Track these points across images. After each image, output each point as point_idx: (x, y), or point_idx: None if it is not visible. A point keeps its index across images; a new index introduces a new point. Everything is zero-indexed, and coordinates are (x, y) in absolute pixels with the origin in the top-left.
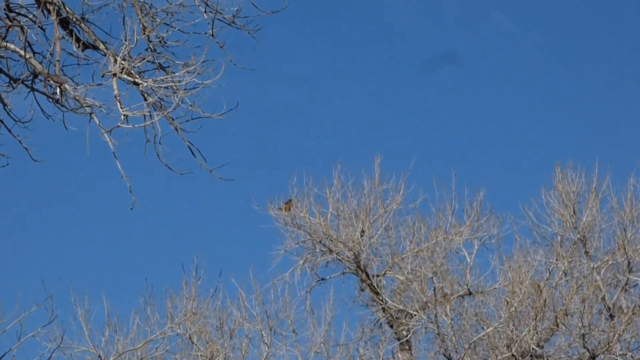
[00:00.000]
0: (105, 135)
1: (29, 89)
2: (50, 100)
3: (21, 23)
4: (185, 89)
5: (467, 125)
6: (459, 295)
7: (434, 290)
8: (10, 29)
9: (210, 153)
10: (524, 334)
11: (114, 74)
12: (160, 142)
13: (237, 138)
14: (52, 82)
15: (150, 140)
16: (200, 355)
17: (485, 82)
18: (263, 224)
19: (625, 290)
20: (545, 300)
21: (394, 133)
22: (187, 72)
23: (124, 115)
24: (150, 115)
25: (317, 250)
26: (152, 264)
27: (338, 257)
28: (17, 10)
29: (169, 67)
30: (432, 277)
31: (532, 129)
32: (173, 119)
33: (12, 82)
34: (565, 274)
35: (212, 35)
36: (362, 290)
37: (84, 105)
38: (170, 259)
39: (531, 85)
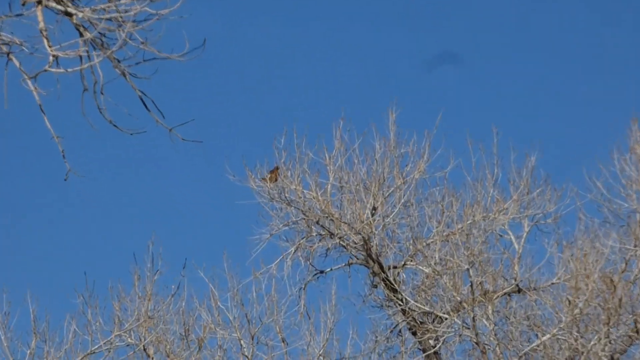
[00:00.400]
0: (29, 82)
1: None
2: None
3: None
4: (134, 21)
5: (510, 69)
6: (505, 293)
7: (471, 286)
8: None
9: (169, 106)
10: (592, 343)
11: (39, 1)
12: (102, 91)
13: (204, 86)
14: None
15: (89, 89)
16: None
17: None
18: (241, 199)
19: None
20: (620, 300)
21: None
22: None
23: (53, 56)
24: (89, 56)
25: (314, 234)
26: (93, 253)
27: (342, 242)
28: None
29: None
30: (467, 269)
31: (600, 75)
32: (119, 61)
33: None
34: None
35: None
36: (375, 286)
37: None
38: (117, 247)
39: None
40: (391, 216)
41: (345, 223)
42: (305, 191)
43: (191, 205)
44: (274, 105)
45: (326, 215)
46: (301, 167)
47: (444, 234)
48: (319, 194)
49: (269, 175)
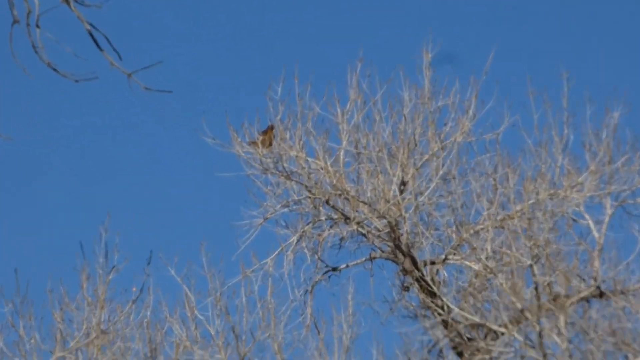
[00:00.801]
0: None
1: None
2: None
3: None
4: None
5: None
6: (582, 298)
7: (536, 288)
8: None
9: (128, 44)
10: None
11: None
12: (37, 24)
13: (176, 19)
14: None
15: (20, 21)
16: None
17: None
18: (223, 170)
19: None
20: None
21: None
22: None
23: None
24: None
25: (323, 218)
26: (25, 243)
27: (360, 229)
28: None
29: None
30: (531, 266)
31: None
32: None
33: None
34: None
35: None
36: (406, 288)
37: None
38: (59, 234)
39: None
40: (426, 194)
41: (365, 203)
42: (309, 159)
43: (157, 178)
44: (267, 48)
45: (339, 192)
46: (304, 126)
47: (498, 217)
48: (328, 163)
49: (260, 138)
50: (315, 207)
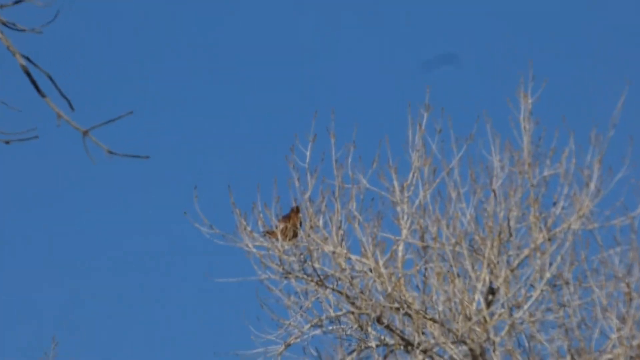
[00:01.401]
0: None
1: None
2: None
3: None
4: None
5: None
6: None
7: None
8: None
9: (83, 90)
10: None
11: None
12: None
13: (154, 56)
14: None
15: None
16: None
17: None
18: (225, 275)
19: None
20: None
21: None
22: None
23: None
24: None
25: (374, 344)
26: None
27: None
28: None
29: None
30: None
31: None
32: None
33: None
34: None
35: None
36: None
37: None
38: None
39: None
40: (526, 307)
41: (435, 321)
42: (353, 257)
43: (123, 291)
44: (290, 89)
45: (396, 305)
46: (345, 208)
47: (634, 342)
48: (380, 262)
49: (281, 226)
50: (361, 327)
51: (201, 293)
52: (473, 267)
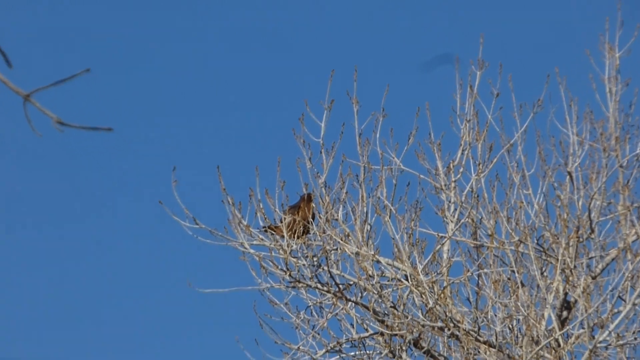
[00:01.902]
0: None
1: None
2: None
3: None
4: None
5: None
6: None
7: None
8: None
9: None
10: None
11: None
12: None
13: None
14: None
15: None
16: None
17: None
18: (212, 284)
19: None
20: None
21: None
22: None
23: None
24: None
25: None
26: None
27: None
28: None
29: None
30: None
31: None
32: None
33: None
34: None
35: None
36: None
37: None
38: None
39: None
40: (612, 327)
41: (492, 346)
42: (383, 259)
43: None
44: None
45: (441, 324)
46: (372, 196)
47: None
48: (419, 267)
49: (288, 219)
50: (392, 352)
51: (181, 307)
52: (542, 274)
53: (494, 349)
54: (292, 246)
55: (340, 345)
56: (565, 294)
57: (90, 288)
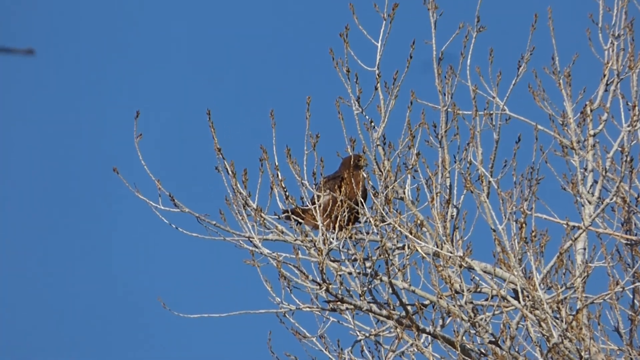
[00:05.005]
0: None
1: None
2: None
3: None
4: None
5: None
6: None
7: None
8: None
9: None
10: None
11: None
12: None
13: None
14: None
15: None
16: None
17: None
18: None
19: None
20: None
21: None
22: None
23: None
24: None
25: None
26: None
27: None
28: None
29: None
30: None
31: None
32: None
33: None
34: None
35: None
36: None
37: None
38: None
39: None
40: None
41: None
42: (479, 265)
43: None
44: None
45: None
46: (463, 160)
47: None
48: (536, 277)
49: (324, 198)
50: None
51: (152, 339)
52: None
53: None
54: (330, 243)
55: None
56: None
57: None
